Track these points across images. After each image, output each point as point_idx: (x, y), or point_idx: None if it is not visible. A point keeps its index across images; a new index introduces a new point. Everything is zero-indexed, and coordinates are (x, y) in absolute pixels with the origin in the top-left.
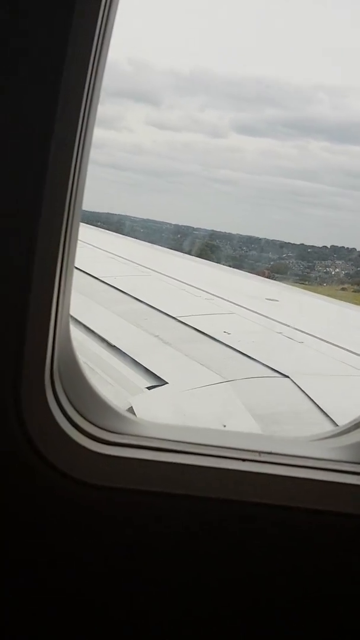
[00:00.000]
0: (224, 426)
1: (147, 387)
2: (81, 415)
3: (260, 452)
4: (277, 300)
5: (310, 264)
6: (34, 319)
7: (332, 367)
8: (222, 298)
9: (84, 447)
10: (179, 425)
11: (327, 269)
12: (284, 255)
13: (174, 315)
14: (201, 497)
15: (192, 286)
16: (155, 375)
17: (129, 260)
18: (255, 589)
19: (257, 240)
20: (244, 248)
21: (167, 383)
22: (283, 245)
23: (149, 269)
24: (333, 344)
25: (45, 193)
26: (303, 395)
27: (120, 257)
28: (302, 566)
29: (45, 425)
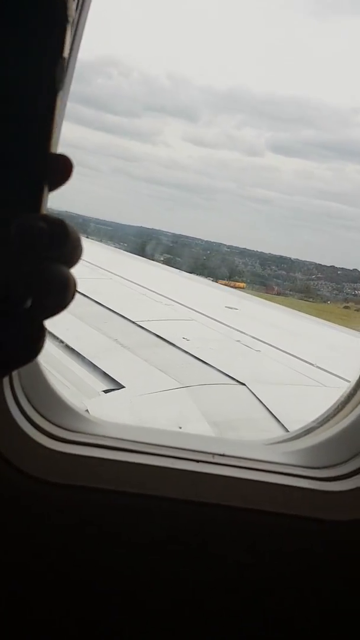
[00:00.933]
0: (180, 428)
1: (103, 391)
2: (39, 413)
3: (214, 454)
4: (237, 309)
5: (338, 285)
6: None
7: (287, 376)
8: (181, 304)
9: (42, 445)
10: (136, 426)
11: (356, 291)
12: (313, 277)
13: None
14: (155, 496)
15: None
16: (113, 378)
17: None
18: (210, 588)
19: (288, 260)
20: (273, 267)
21: (124, 387)
22: (314, 266)
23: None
24: (290, 354)
25: None
26: (258, 402)
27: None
28: (256, 565)
29: (2, 423)
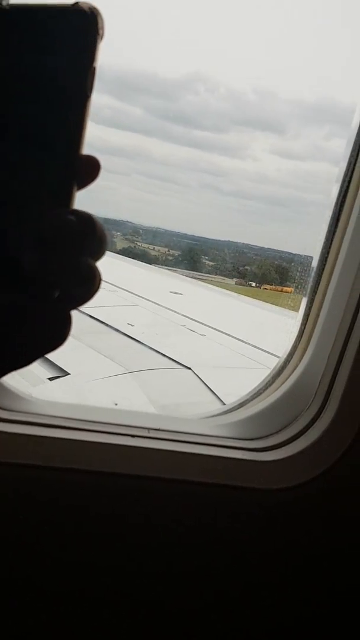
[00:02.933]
0: (116, 405)
1: (48, 378)
2: None
3: (149, 429)
4: (181, 294)
5: None
6: None
7: (233, 360)
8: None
9: None
10: (71, 403)
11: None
12: None
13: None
14: (91, 470)
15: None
16: (57, 365)
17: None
18: (152, 561)
19: None
20: None
21: (69, 374)
22: None
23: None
24: (235, 338)
25: None
26: (204, 386)
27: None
28: (194, 535)
29: None
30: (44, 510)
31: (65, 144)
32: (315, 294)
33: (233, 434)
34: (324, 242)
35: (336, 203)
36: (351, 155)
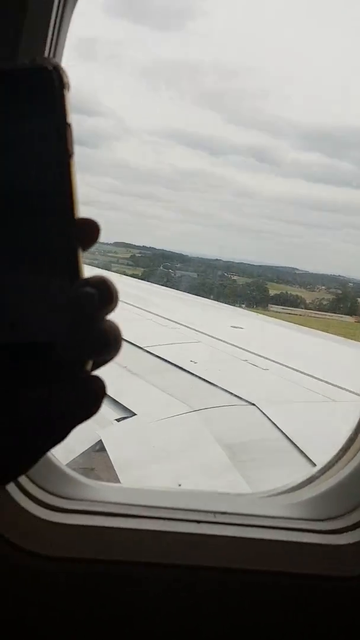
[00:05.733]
0: (179, 485)
1: (115, 419)
2: (33, 481)
3: (215, 513)
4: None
5: None
6: None
7: (296, 394)
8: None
9: (36, 517)
10: (133, 488)
11: None
12: None
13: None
14: (156, 563)
15: None
16: (124, 406)
17: None
18: None
19: None
20: None
21: (135, 414)
22: None
23: None
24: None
25: None
26: (269, 422)
27: None
28: (266, 630)
29: None
30: (109, 606)
31: (56, 210)
32: None
33: (304, 514)
34: None
35: None
36: None
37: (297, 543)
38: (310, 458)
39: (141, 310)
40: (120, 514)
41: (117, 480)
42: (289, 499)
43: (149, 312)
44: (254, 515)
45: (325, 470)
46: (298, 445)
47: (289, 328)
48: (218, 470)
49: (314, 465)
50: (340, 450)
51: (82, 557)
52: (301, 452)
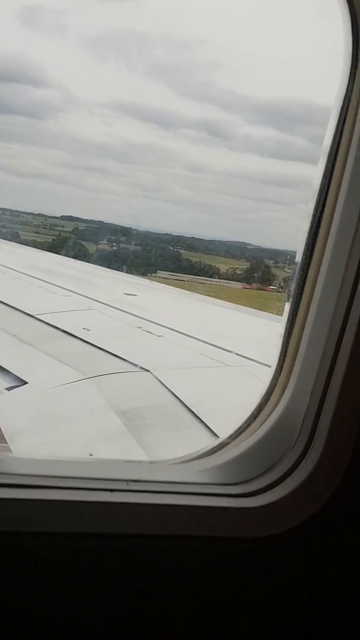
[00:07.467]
0: (91, 455)
1: (6, 388)
2: None
3: (128, 481)
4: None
5: None
6: None
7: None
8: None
9: None
10: (46, 459)
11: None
12: None
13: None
14: (71, 533)
15: None
16: (14, 375)
17: None
18: (136, 622)
19: None
20: None
21: (27, 383)
22: None
23: None
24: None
25: None
26: (163, 388)
27: None
28: (183, 594)
29: None
30: (24, 577)
31: None
32: (296, 317)
33: (215, 479)
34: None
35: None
36: None
37: (209, 507)
38: (204, 421)
39: (31, 278)
40: (32, 485)
41: (9, 450)
42: (201, 464)
43: (40, 279)
44: (167, 482)
45: (236, 435)
46: (192, 409)
47: (175, 293)
48: (112, 436)
49: (208, 428)
50: (250, 416)
51: None
52: (195, 415)
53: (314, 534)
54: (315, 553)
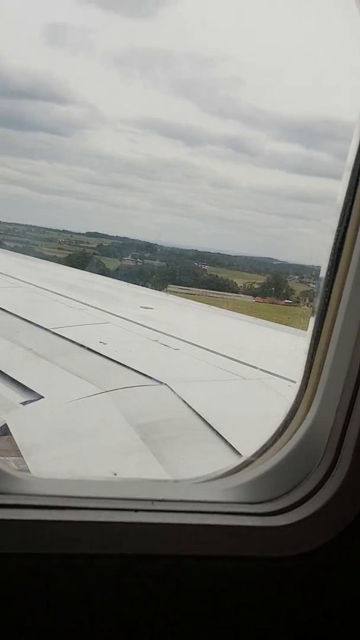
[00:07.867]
0: (115, 474)
1: (21, 403)
2: None
3: (153, 501)
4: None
5: None
6: None
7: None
8: None
9: None
10: (68, 479)
11: None
12: None
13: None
14: (96, 554)
15: None
16: (30, 389)
17: None
18: None
19: None
20: None
21: (42, 397)
22: None
23: None
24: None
25: None
26: (180, 401)
27: None
28: (207, 615)
29: None
30: (48, 599)
31: None
32: (321, 333)
33: (240, 498)
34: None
35: None
36: None
37: (234, 527)
38: (222, 435)
39: (48, 292)
40: (57, 507)
41: (24, 463)
42: (226, 483)
43: (57, 293)
44: (192, 501)
45: (261, 453)
46: (209, 422)
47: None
48: (129, 450)
49: (225, 441)
50: (275, 433)
51: (18, 552)
52: (212, 429)
53: (340, 552)
54: (341, 572)
